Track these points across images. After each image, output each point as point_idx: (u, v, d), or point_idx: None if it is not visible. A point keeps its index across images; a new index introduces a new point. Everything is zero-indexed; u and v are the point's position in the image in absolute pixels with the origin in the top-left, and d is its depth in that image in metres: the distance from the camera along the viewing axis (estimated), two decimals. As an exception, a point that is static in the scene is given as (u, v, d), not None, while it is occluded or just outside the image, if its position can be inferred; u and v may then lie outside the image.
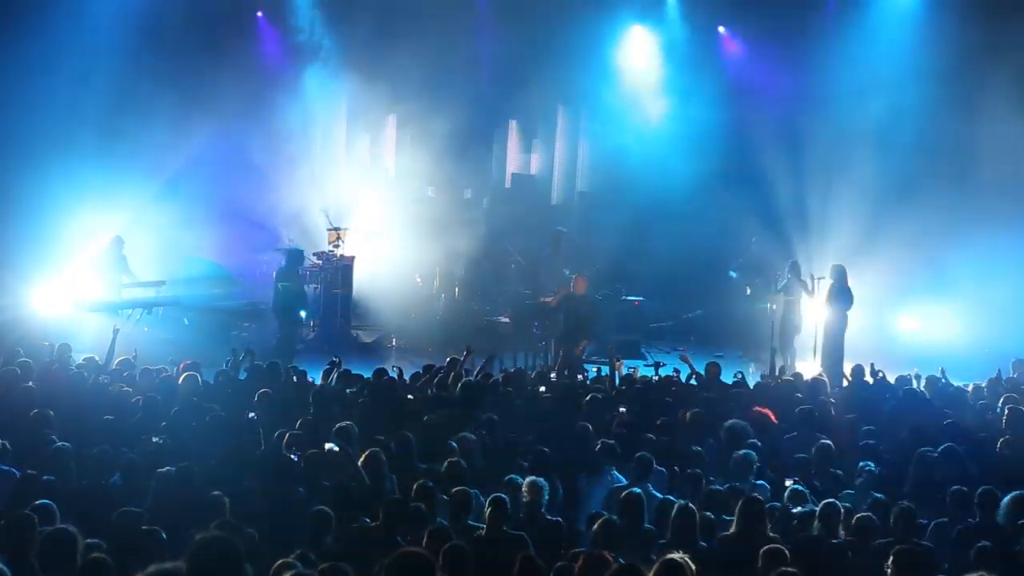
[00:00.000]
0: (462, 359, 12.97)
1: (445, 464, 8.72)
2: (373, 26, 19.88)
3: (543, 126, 22.04)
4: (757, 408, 11.24)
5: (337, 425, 9.50)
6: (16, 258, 17.09)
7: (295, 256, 17.13)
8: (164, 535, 6.60)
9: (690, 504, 7.66)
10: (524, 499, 7.91)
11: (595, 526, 7.26)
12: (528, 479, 8.02)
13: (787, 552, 6.89)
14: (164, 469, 8.13)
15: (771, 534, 7.65)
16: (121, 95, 17.99)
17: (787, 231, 19.27)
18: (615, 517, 7.58)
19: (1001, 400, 12.04)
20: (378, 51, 19.81)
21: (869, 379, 13.31)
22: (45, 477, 7.96)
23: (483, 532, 7.48)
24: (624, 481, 8.96)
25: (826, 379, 13.45)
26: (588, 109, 21.63)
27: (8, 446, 8.70)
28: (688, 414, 10.86)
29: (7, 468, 8.31)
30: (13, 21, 17.48)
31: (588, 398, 11.28)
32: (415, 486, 8.03)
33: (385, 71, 19.69)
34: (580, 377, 14.49)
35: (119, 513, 7.13)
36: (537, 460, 9.09)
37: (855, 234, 18.57)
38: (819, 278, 16.65)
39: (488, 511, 7.57)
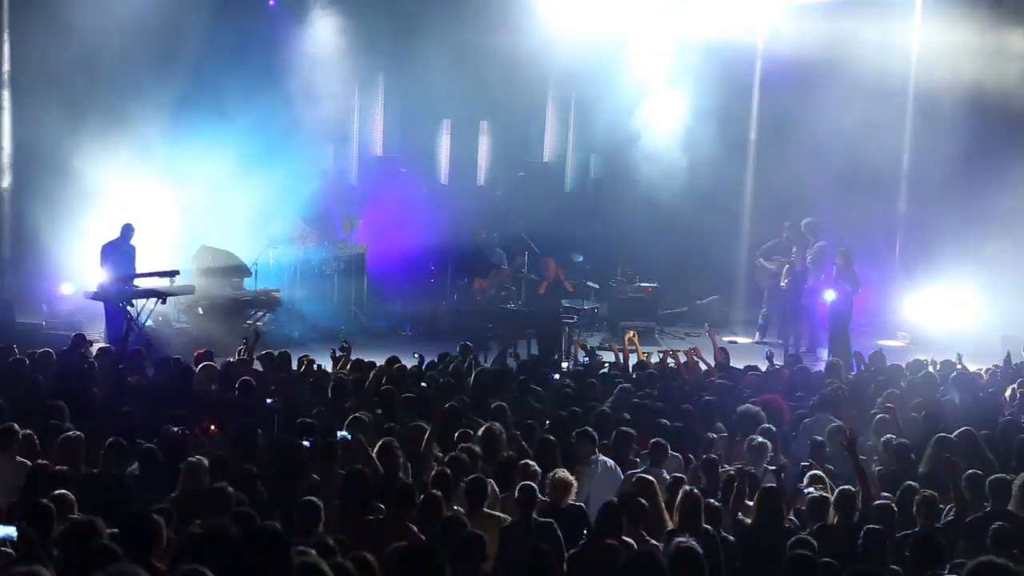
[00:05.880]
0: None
1: (459, 450, 8.69)
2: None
3: (555, 114, 21.87)
4: (766, 396, 11.21)
5: (351, 415, 9.49)
6: (33, 248, 17.11)
7: None
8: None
9: (695, 489, 7.63)
10: (552, 490, 7.84)
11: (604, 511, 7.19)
12: (556, 472, 7.98)
13: (810, 541, 6.90)
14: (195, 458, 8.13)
15: (790, 519, 7.66)
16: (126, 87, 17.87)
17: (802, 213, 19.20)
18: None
19: (1015, 384, 12.02)
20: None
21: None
22: (57, 467, 7.96)
23: (505, 522, 7.49)
24: (609, 462, 8.93)
25: (841, 363, 13.45)
26: (599, 94, 21.36)
27: (33, 435, 8.74)
28: (701, 400, 10.86)
29: (20, 459, 8.33)
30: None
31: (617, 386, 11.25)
32: (431, 475, 8.03)
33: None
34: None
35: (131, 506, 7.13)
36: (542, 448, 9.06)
37: (869, 218, 18.47)
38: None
39: (515, 498, 7.55)
